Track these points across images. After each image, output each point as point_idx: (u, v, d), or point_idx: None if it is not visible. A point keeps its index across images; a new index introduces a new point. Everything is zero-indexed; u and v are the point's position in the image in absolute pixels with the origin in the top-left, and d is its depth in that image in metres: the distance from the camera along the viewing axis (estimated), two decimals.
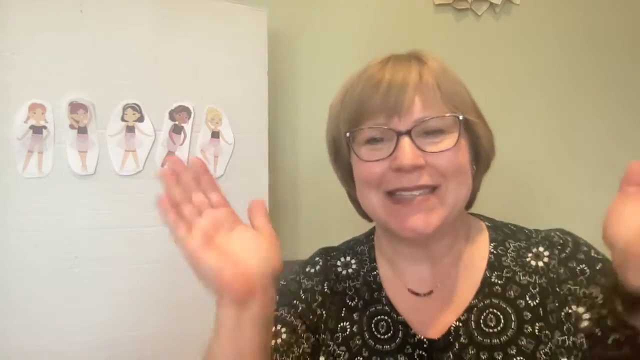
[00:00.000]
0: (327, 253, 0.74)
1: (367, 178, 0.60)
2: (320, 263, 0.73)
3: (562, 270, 0.59)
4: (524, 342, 0.57)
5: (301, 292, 0.70)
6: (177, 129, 1.15)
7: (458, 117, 0.57)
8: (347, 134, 0.61)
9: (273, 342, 0.67)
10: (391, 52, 0.64)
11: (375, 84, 0.58)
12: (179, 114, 1.16)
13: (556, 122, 1.56)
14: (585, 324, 0.56)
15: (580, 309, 0.56)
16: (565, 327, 0.56)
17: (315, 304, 0.68)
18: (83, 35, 1.07)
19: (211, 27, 1.19)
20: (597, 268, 0.58)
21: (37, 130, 1.04)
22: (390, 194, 0.58)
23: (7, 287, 1.02)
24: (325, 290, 0.69)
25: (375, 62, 0.62)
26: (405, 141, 0.56)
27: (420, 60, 0.61)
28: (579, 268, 0.58)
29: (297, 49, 1.47)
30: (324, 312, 0.67)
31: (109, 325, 1.09)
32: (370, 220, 0.70)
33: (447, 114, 0.57)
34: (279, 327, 0.68)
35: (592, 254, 0.60)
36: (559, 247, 0.61)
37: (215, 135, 1.19)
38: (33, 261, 1.03)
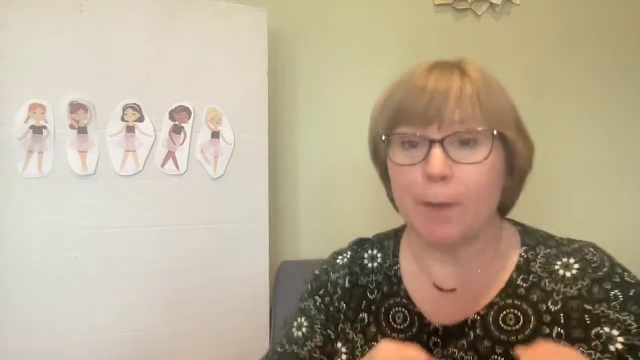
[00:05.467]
0: (359, 244, 0.77)
1: (399, 182, 0.62)
2: (349, 255, 0.76)
3: (596, 290, 0.59)
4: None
5: (328, 285, 0.74)
6: (177, 129, 1.15)
7: (492, 132, 0.58)
8: (384, 137, 0.62)
9: (295, 333, 0.72)
10: (437, 58, 0.65)
11: (418, 91, 0.59)
12: (179, 114, 1.16)
13: (556, 122, 1.56)
14: (618, 346, 0.56)
15: (614, 332, 0.56)
16: (593, 343, 0.57)
17: (336, 296, 0.72)
18: (83, 35, 1.07)
19: (211, 27, 1.19)
20: (630, 294, 0.58)
21: (37, 130, 1.04)
22: (418, 203, 0.60)
23: (7, 287, 1.02)
24: (347, 285, 0.72)
25: (422, 69, 0.63)
26: (437, 150, 0.57)
27: (463, 70, 0.61)
28: (613, 293, 0.58)
29: (297, 49, 1.47)
30: (343, 304, 0.71)
31: (109, 325, 1.09)
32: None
33: (480, 128, 0.58)
34: (302, 319, 0.73)
35: (626, 278, 0.60)
36: (594, 266, 0.61)
37: (215, 135, 1.19)
38: (33, 261, 1.03)
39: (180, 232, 1.15)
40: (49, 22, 1.04)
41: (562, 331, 0.58)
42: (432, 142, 0.57)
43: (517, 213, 0.70)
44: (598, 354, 0.56)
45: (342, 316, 0.71)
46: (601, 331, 0.57)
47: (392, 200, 0.70)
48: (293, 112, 1.47)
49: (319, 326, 0.72)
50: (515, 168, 0.64)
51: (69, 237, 1.06)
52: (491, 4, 1.53)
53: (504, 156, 0.61)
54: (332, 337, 0.71)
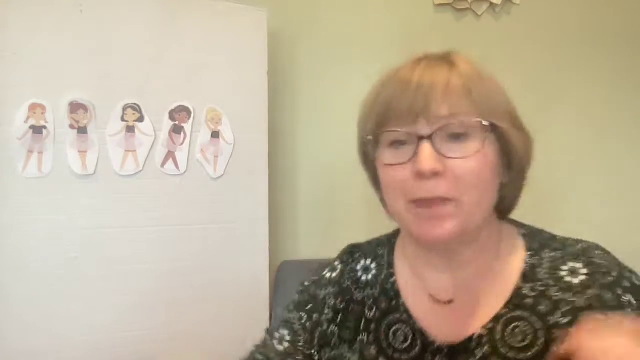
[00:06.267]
0: (351, 254, 0.73)
1: (389, 183, 0.59)
2: (338, 269, 0.71)
3: (609, 296, 0.56)
4: None
5: (317, 301, 0.70)
6: (177, 129, 1.15)
7: (483, 124, 0.55)
8: (370, 137, 0.60)
9: (276, 346, 0.68)
10: (424, 52, 0.63)
11: (404, 86, 0.57)
12: (179, 114, 1.16)
13: (555, 122, 1.56)
14: None
15: None
16: None
17: (324, 317, 0.68)
18: (83, 35, 1.07)
19: (211, 27, 1.19)
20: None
21: (37, 130, 1.04)
22: (413, 201, 0.57)
23: (7, 287, 1.02)
24: (339, 305, 0.68)
25: (409, 62, 0.61)
26: (426, 145, 0.54)
27: (452, 62, 0.59)
28: (626, 299, 0.56)
29: (297, 49, 1.47)
30: (335, 328, 0.67)
31: (109, 325, 1.09)
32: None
33: (471, 119, 0.55)
34: (285, 332, 0.69)
35: (635, 281, 0.58)
36: (603, 271, 0.58)
37: (215, 135, 1.19)
38: (33, 261, 1.03)
39: (180, 232, 1.15)
40: (49, 22, 1.04)
41: None
42: (420, 139, 0.55)
43: (518, 213, 0.69)
44: None
45: (337, 340, 0.66)
46: None
47: (384, 204, 0.66)
48: (293, 112, 1.47)
49: (301, 344, 0.68)
50: (512, 162, 0.60)
51: (69, 237, 1.06)
52: (491, 4, 1.53)
53: (500, 150, 0.58)
54: (316, 359, 0.66)
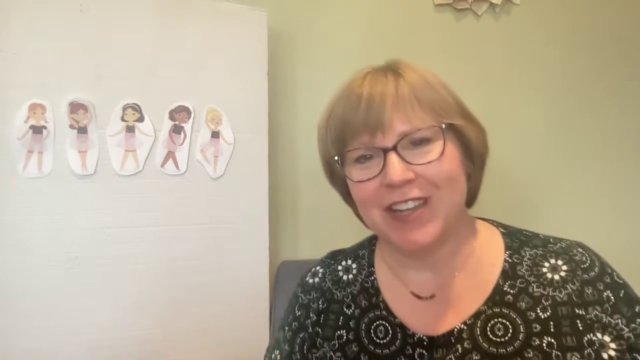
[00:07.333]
0: (333, 257, 0.75)
1: (362, 197, 0.61)
2: (320, 273, 0.73)
3: (588, 292, 0.57)
4: (530, 354, 0.55)
5: (297, 310, 0.72)
6: (177, 129, 1.15)
7: (440, 127, 0.57)
8: (336, 158, 0.61)
9: None
10: (367, 66, 0.64)
11: (354, 102, 0.59)
12: (179, 114, 1.16)
13: (555, 122, 1.56)
14: (611, 353, 0.55)
15: (607, 338, 0.55)
16: (586, 351, 0.55)
17: (308, 321, 0.69)
18: (83, 35, 1.07)
19: (211, 27, 1.19)
20: (621, 295, 0.57)
21: (37, 130, 1.04)
22: (389, 209, 0.59)
23: (7, 287, 1.02)
24: (320, 307, 0.70)
25: (356, 77, 0.62)
26: (393, 157, 0.56)
27: (396, 72, 0.60)
28: (605, 294, 0.57)
29: (297, 49, 1.47)
30: (318, 329, 0.68)
31: (109, 325, 1.09)
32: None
33: (428, 126, 0.57)
34: (276, 353, 0.72)
35: (616, 279, 0.59)
36: (583, 267, 0.59)
37: (215, 135, 1.19)
38: (33, 261, 1.03)
39: (180, 232, 1.15)
40: (49, 22, 1.04)
41: (553, 340, 0.55)
42: (385, 151, 0.56)
43: (514, 214, 0.69)
44: None
45: (320, 340, 0.67)
46: (594, 338, 0.55)
47: (361, 219, 0.68)
48: (293, 112, 1.47)
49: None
50: (474, 154, 0.62)
51: (69, 237, 1.06)
52: (491, 4, 1.53)
53: (460, 145, 0.61)
54: None
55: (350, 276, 0.70)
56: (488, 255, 0.63)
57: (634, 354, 0.54)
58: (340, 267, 0.72)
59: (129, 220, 1.11)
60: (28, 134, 1.03)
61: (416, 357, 0.60)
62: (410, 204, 0.57)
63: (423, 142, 0.57)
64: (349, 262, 0.72)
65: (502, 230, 0.66)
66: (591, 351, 0.55)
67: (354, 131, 0.58)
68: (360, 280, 0.69)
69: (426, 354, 0.60)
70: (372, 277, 0.68)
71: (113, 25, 1.09)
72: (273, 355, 0.72)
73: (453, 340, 0.59)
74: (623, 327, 0.55)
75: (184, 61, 1.16)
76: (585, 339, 0.55)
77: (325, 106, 0.64)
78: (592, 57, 1.58)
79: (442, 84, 0.62)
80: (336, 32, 1.49)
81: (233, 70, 1.21)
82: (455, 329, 0.59)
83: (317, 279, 0.73)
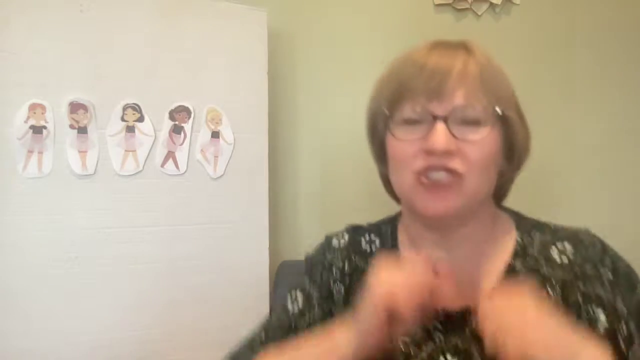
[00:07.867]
0: (354, 230, 0.76)
1: (399, 156, 0.61)
2: (347, 238, 0.74)
3: (589, 267, 0.60)
4: None
5: (324, 263, 0.72)
6: (177, 129, 1.15)
7: (495, 110, 0.58)
8: (386, 110, 0.61)
9: (291, 307, 0.70)
10: (436, 39, 0.64)
11: (420, 67, 0.59)
12: (179, 114, 1.16)
13: (555, 122, 1.56)
14: (601, 329, 0.56)
15: (602, 316, 0.57)
16: (584, 320, 0.57)
17: (332, 278, 0.70)
18: (83, 35, 1.07)
19: (211, 27, 1.19)
20: (620, 275, 0.59)
21: (37, 130, 1.04)
22: (419, 174, 0.59)
23: (7, 287, 1.02)
24: (346, 268, 0.70)
25: (421, 47, 0.62)
26: (441, 126, 0.56)
27: (468, 49, 0.61)
28: (604, 272, 0.59)
29: (297, 49, 1.47)
30: (342, 287, 0.69)
31: (109, 325, 1.09)
32: (397, 200, 0.72)
33: (485, 106, 0.57)
34: (298, 293, 0.71)
35: (617, 262, 0.61)
36: (587, 247, 0.62)
37: (215, 135, 1.19)
38: (33, 261, 1.03)
39: (180, 232, 1.15)
40: (49, 22, 1.04)
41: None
42: (435, 118, 0.57)
43: (525, 207, 0.70)
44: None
45: (341, 300, 0.68)
46: (591, 311, 0.57)
47: (385, 182, 0.69)
48: (293, 112, 1.47)
49: (315, 301, 0.69)
50: (514, 152, 0.63)
51: (69, 237, 1.06)
52: (491, 4, 1.53)
53: (503, 138, 0.61)
54: (333, 312, 0.68)
55: (374, 248, 0.71)
56: (502, 240, 0.65)
57: (630, 330, 0.56)
58: (363, 240, 0.73)
59: (129, 220, 1.11)
60: (28, 134, 1.03)
61: (431, 329, 0.62)
62: (442, 174, 0.58)
63: (473, 122, 0.57)
64: (372, 236, 0.73)
65: (515, 217, 0.69)
66: (587, 324, 0.56)
67: (412, 93, 0.58)
68: (384, 252, 0.70)
69: (441, 327, 0.61)
70: (396, 251, 0.69)
71: (113, 26, 1.09)
72: (294, 294, 0.71)
73: (468, 315, 0.61)
74: (618, 306, 0.57)
75: (183, 61, 1.16)
76: (584, 309, 0.57)
77: (387, 64, 0.65)
78: (593, 57, 1.58)
79: (505, 75, 0.63)
80: (336, 32, 1.48)
81: (233, 70, 1.21)
82: (471, 307, 0.60)
83: (343, 242, 0.73)
